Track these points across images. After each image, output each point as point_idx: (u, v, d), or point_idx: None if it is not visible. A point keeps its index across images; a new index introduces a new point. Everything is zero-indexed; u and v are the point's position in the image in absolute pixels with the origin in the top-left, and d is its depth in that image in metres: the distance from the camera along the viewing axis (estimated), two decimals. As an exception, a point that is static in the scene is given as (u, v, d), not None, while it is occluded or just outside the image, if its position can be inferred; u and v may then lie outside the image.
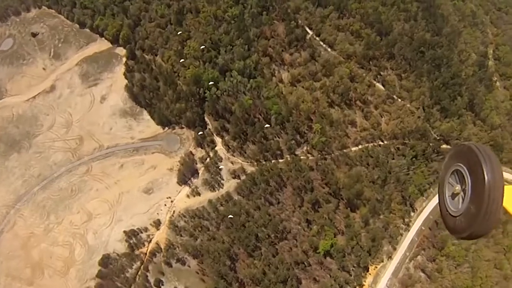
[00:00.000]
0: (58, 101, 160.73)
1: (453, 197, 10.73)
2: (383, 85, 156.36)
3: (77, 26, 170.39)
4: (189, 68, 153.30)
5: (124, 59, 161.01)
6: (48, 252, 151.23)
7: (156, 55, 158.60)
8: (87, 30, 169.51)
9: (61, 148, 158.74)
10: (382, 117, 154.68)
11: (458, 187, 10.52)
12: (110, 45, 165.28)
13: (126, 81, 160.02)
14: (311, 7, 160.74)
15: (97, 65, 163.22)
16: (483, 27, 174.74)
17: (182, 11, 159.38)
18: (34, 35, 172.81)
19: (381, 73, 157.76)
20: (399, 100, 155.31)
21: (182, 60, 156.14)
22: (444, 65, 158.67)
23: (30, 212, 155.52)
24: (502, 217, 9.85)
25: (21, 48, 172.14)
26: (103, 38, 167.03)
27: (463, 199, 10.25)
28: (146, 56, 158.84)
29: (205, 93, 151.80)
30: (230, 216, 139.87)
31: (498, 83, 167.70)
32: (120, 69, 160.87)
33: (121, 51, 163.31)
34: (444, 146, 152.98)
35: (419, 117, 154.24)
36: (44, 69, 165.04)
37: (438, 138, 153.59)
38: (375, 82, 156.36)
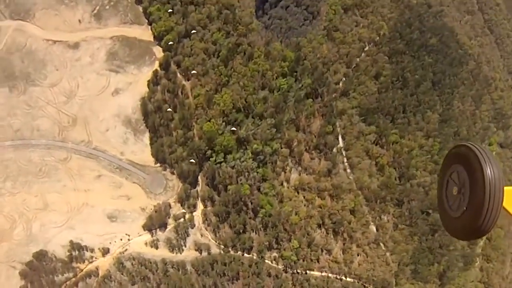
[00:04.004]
0: (74, 63, 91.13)
1: (452, 198, 6.91)
2: (377, 229, 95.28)
3: None
4: (210, 121, 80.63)
5: (156, 64, 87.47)
6: None
7: (189, 80, 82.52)
8: (140, 8, 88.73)
9: (52, 117, 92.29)
10: (358, 256, 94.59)
11: (456, 188, 6.79)
12: (152, 39, 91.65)
13: (147, 90, 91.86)
14: (356, 118, 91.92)
15: (129, 51, 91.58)
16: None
17: (235, 49, 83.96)
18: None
19: (382, 216, 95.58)
20: (383, 248, 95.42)
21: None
22: (440, 232, 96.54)
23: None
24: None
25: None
26: (149, 27, 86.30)
27: (462, 200, 6.64)
28: (178, 76, 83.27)
29: (211, 155, 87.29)
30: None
31: (477, 263, 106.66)
32: (148, 71, 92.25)
33: (159, 52, 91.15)
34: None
35: (391, 271, 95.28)
36: (79, 21, 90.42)
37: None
38: (371, 223, 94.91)
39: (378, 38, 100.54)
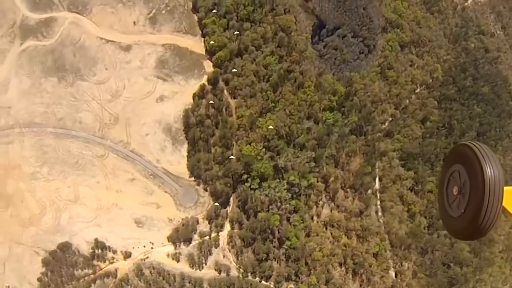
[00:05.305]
0: (123, 65, 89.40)
1: (453, 198, 6.78)
2: (396, 275, 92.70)
3: (190, 5, 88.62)
4: (250, 144, 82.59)
5: (205, 78, 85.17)
6: (21, 195, 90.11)
7: (235, 98, 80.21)
8: (196, 18, 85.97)
9: (95, 113, 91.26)
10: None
11: (457, 188, 6.66)
12: (203, 52, 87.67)
13: (192, 103, 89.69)
14: (396, 161, 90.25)
15: (179, 61, 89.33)
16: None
17: (286, 76, 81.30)
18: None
19: (403, 263, 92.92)
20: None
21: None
22: (457, 286, 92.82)
23: (30, 145, 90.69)
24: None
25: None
26: (202, 40, 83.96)
27: (462, 200, 6.56)
28: (225, 93, 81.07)
29: (247, 179, 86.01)
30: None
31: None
32: (196, 84, 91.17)
33: (209, 66, 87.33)
34: None
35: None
36: (134, 23, 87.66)
37: None
38: (391, 268, 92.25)
39: (430, 81, 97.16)
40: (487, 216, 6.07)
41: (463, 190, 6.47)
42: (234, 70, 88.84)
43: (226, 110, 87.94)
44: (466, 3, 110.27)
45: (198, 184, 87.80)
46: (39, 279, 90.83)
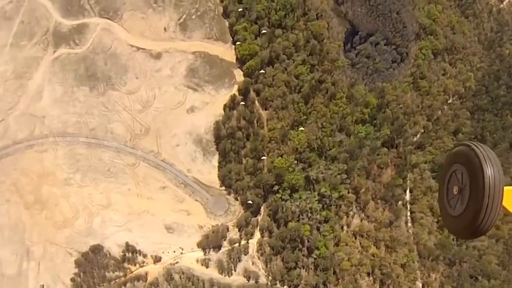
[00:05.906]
0: (154, 74, 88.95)
1: (453, 197, 6.78)
2: (423, 286, 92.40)
3: (221, 10, 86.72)
4: (282, 156, 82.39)
5: (235, 88, 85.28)
6: (55, 200, 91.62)
7: (266, 110, 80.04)
8: (226, 23, 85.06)
9: (126, 123, 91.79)
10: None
11: (457, 187, 6.66)
12: (234, 60, 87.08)
13: (223, 114, 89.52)
14: (427, 173, 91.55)
15: (209, 70, 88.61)
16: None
17: (318, 86, 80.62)
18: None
19: (431, 274, 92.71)
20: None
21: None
22: None
23: (63, 154, 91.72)
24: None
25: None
26: (233, 47, 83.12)
27: (462, 199, 6.55)
28: (256, 104, 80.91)
29: (278, 191, 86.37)
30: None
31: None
32: (226, 95, 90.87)
33: (239, 76, 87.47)
34: None
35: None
36: (165, 29, 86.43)
37: None
38: (419, 279, 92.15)
39: (463, 90, 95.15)
40: (486, 216, 6.08)
41: (464, 190, 6.49)
42: (263, 71, 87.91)
43: (257, 122, 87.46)
44: (502, 5, 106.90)
45: (229, 194, 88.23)
46: (72, 279, 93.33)
